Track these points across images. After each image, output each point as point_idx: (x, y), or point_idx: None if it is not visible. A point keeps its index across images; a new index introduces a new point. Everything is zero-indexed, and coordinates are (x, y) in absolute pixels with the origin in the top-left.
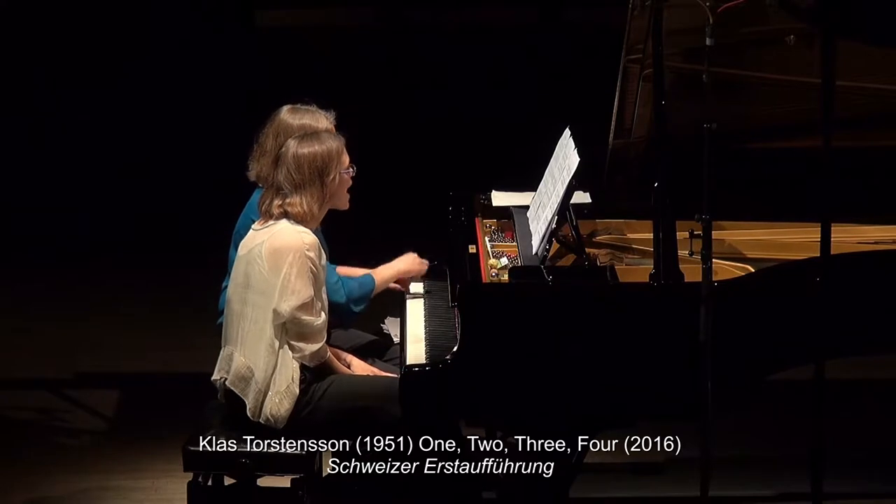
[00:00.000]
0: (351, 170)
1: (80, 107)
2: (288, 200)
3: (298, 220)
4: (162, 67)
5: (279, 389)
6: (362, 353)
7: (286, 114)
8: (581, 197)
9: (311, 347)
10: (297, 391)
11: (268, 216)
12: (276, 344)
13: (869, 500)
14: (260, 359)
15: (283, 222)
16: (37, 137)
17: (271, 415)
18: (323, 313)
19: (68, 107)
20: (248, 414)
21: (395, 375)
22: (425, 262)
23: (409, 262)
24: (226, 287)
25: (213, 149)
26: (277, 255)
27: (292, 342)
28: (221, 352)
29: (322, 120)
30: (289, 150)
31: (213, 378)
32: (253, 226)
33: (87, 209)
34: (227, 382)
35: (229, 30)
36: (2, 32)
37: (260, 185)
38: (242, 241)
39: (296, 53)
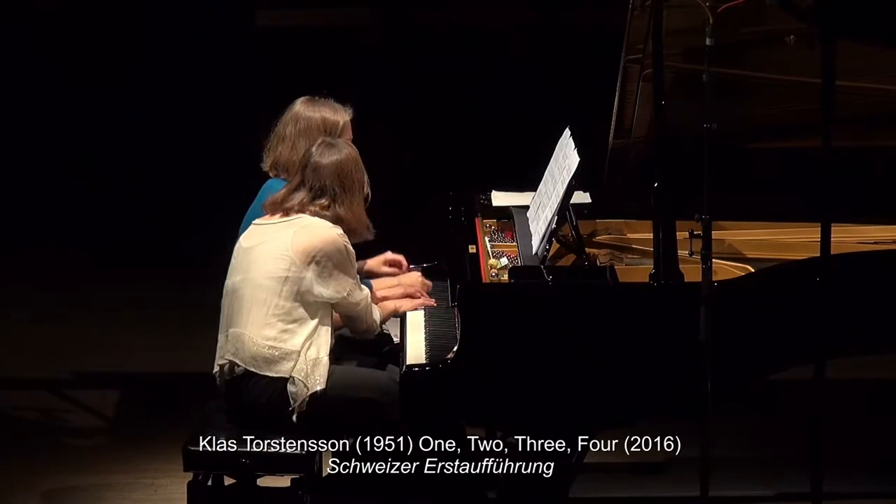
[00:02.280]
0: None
1: (80, 106)
2: (323, 201)
3: (336, 220)
4: (162, 67)
5: (311, 357)
6: (362, 353)
7: (303, 105)
8: (581, 197)
9: (372, 318)
10: (328, 362)
11: (293, 213)
12: (312, 322)
13: (869, 500)
14: (293, 336)
15: (315, 218)
16: (37, 137)
17: (304, 377)
18: (363, 286)
19: (68, 106)
20: (289, 385)
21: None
22: (428, 294)
23: (412, 278)
24: None
25: (214, 149)
26: (314, 250)
27: (354, 324)
28: (221, 337)
29: (341, 112)
30: (342, 158)
31: (218, 364)
32: (255, 221)
33: (88, 209)
34: (242, 362)
35: (229, 30)
36: (1, 31)
37: (272, 174)
38: (247, 233)
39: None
